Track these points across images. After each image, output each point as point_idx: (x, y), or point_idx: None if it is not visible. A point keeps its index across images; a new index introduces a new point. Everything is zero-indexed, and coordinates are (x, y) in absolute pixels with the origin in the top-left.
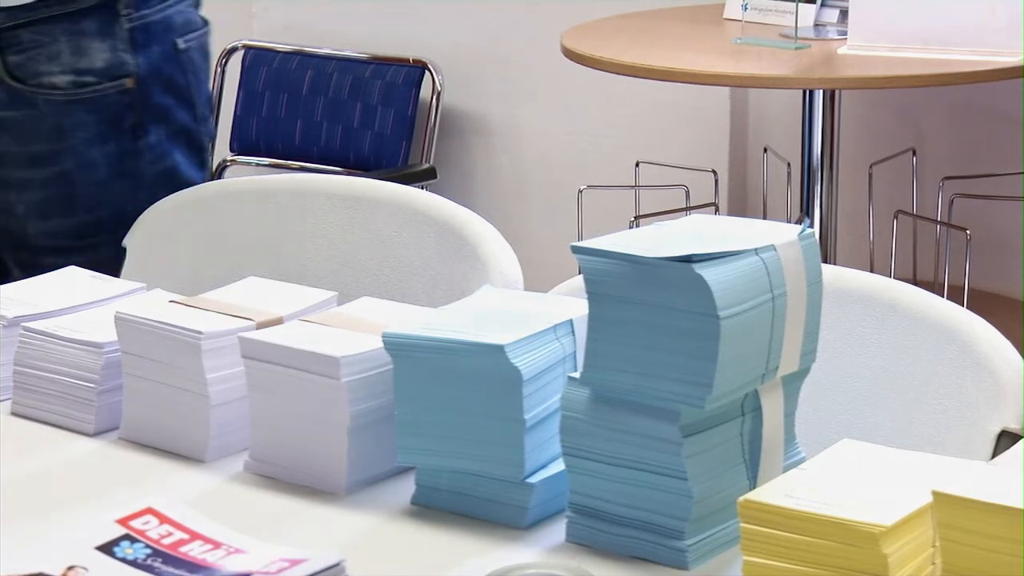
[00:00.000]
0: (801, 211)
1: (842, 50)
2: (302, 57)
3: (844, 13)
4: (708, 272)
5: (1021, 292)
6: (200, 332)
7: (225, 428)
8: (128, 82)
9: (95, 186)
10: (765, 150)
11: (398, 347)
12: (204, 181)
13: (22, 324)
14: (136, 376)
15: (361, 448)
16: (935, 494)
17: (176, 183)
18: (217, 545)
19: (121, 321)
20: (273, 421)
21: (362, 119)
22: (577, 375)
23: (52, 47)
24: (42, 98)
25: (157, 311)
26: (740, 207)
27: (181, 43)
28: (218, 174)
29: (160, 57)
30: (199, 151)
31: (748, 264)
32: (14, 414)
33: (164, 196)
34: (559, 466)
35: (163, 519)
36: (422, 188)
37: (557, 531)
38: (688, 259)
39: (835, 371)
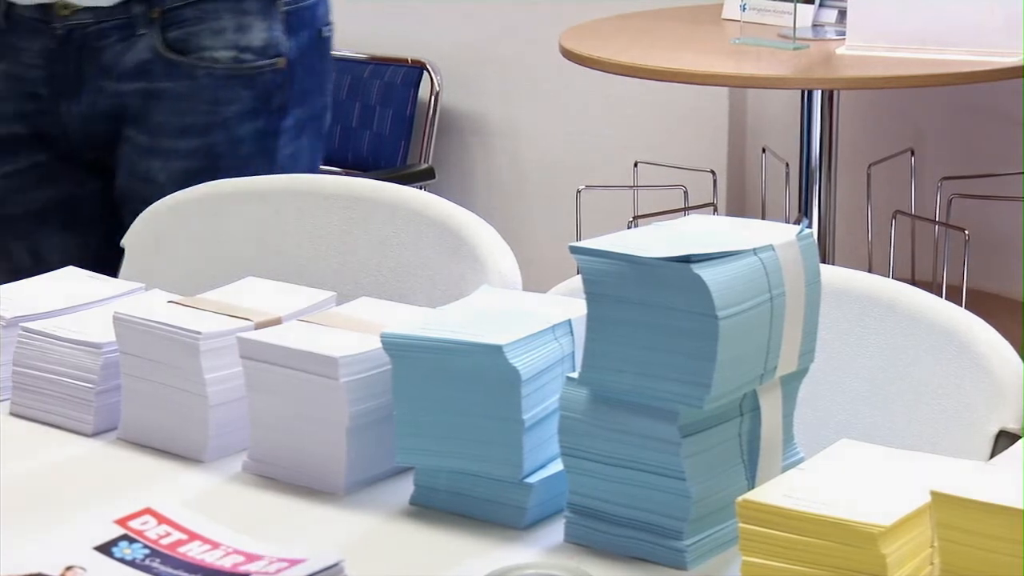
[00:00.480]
0: (799, 211)
1: (840, 50)
2: None
3: (842, 13)
4: (706, 272)
5: (1019, 292)
6: (199, 332)
7: (224, 428)
8: (280, 62)
9: (238, 161)
10: (763, 150)
11: (397, 347)
12: (317, 170)
13: (21, 324)
14: (135, 376)
15: (360, 448)
16: (933, 494)
17: (298, 167)
18: (216, 545)
19: (120, 321)
20: (272, 421)
21: (360, 119)
22: (576, 375)
23: (216, 23)
24: (203, 70)
25: (156, 311)
26: (739, 207)
27: (324, 31)
28: None
29: (307, 43)
30: (320, 139)
31: (746, 264)
32: (13, 414)
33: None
34: (558, 466)
35: (162, 519)
36: (421, 188)
37: (556, 531)
38: (687, 259)
39: (833, 371)
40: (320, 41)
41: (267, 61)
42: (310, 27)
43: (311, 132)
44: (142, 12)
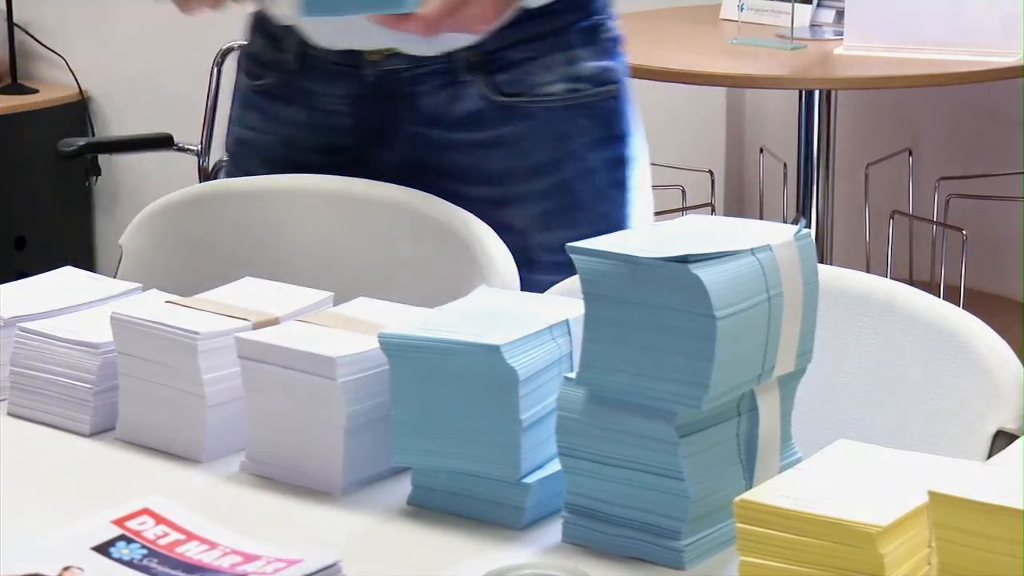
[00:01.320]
0: (797, 211)
1: (838, 50)
2: None
3: (840, 13)
4: (704, 272)
5: (1016, 292)
6: (196, 332)
7: (221, 428)
8: (613, 89)
9: (594, 193)
10: (761, 150)
11: (394, 347)
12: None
13: (18, 324)
14: (132, 376)
15: (357, 448)
16: (931, 494)
17: (641, 200)
18: (213, 546)
19: (117, 322)
20: (269, 421)
21: None
22: (574, 375)
23: (545, 59)
24: (541, 107)
25: (153, 311)
26: (736, 207)
27: (626, 60)
28: (214, 175)
29: (624, 68)
30: (648, 169)
31: (744, 264)
32: (10, 414)
33: (645, 210)
34: (555, 466)
35: (159, 519)
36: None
37: (553, 531)
38: (684, 259)
39: (831, 372)
40: (626, 72)
41: (602, 89)
42: (622, 54)
43: (643, 166)
44: (463, 57)
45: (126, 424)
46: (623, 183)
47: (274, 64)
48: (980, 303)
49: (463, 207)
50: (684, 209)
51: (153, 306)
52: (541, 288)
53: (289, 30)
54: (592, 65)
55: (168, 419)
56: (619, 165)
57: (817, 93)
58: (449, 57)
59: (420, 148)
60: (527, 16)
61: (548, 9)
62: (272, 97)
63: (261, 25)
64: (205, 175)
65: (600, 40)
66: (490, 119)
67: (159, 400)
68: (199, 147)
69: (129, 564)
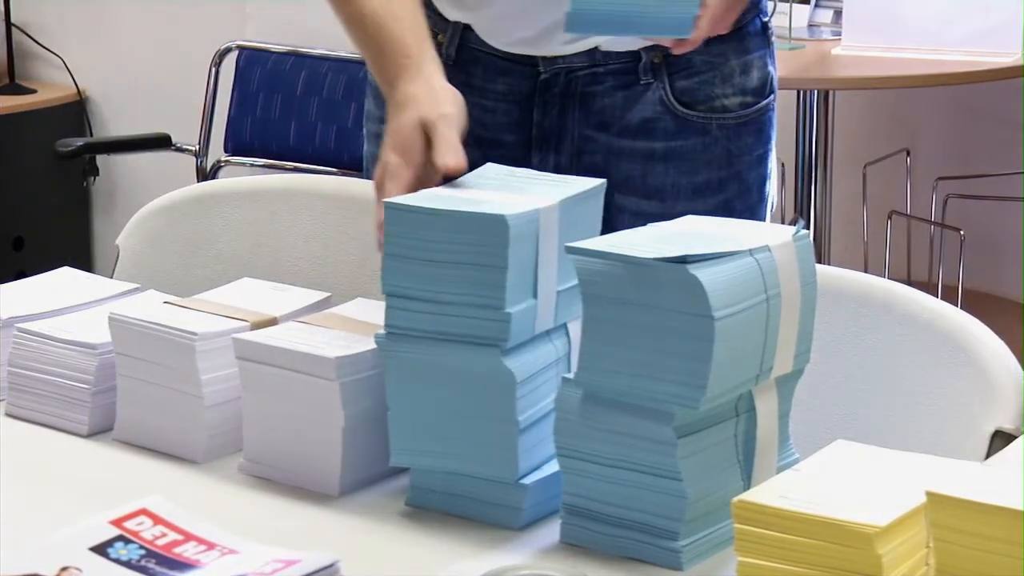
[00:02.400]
0: (795, 211)
1: (836, 50)
2: (296, 58)
3: (838, 14)
4: (702, 273)
5: (1014, 292)
6: (194, 333)
7: (219, 429)
8: (773, 100)
9: (746, 212)
10: None
11: (391, 347)
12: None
13: (16, 325)
14: (130, 377)
15: (355, 449)
16: (929, 494)
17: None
18: (211, 546)
19: (115, 322)
20: (267, 422)
21: (356, 119)
22: (572, 376)
23: (724, 68)
24: (716, 123)
25: (151, 312)
26: None
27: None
28: (212, 175)
29: (775, 76)
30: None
31: (742, 265)
32: (8, 415)
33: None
34: (553, 467)
35: (157, 520)
36: None
37: (551, 532)
38: (682, 260)
39: (829, 372)
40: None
41: (766, 101)
42: (775, 60)
43: (772, 175)
44: (647, 58)
45: (124, 424)
46: (766, 198)
47: None
48: (978, 303)
49: (617, 218)
50: None
51: (151, 307)
52: None
53: (452, 24)
54: (759, 75)
55: (166, 419)
56: (767, 181)
57: (815, 93)
58: (633, 56)
59: (588, 153)
60: None
61: None
62: None
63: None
64: (203, 175)
65: (769, 42)
66: (663, 130)
67: (157, 401)
68: (197, 147)
69: (127, 564)
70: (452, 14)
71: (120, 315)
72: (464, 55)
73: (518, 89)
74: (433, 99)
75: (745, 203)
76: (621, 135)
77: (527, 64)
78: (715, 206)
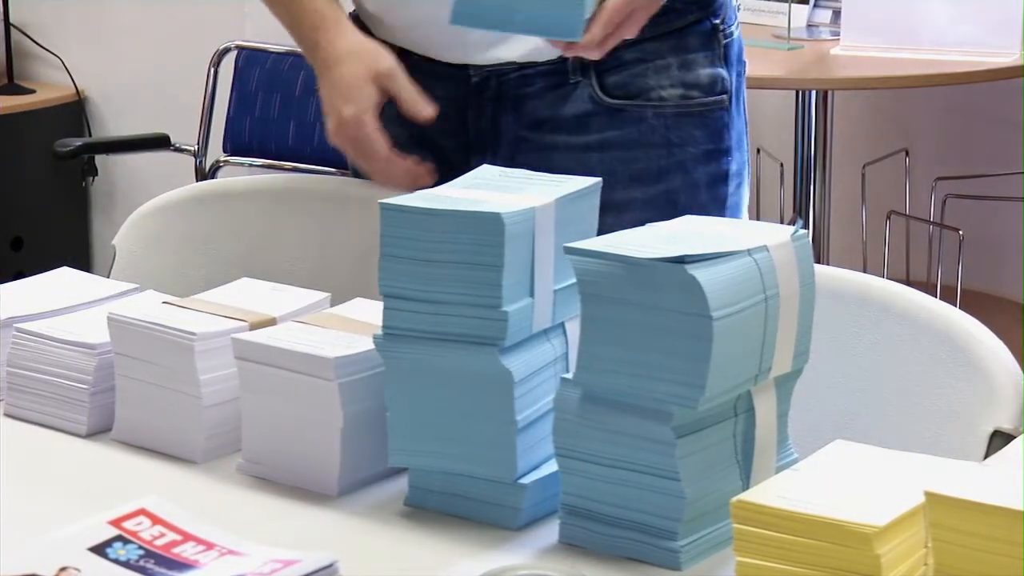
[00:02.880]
0: (794, 211)
1: (835, 51)
2: (295, 58)
3: (837, 14)
4: (701, 273)
5: (1013, 292)
6: (193, 333)
7: (218, 429)
8: (725, 100)
9: (696, 209)
10: (758, 151)
11: (389, 348)
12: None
13: (15, 325)
14: (129, 377)
15: (354, 449)
16: (928, 494)
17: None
18: (210, 546)
19: (114, 322)
20: (266, 422)
21: None
22: (570, 376)
23: (659, 62)
24: (652, 111)
25: (150, 312)
26: None
27: (742, 71)
28: (211, 175)
29: (738, 78)
30: (747, 194)
31: (741, 265)
32: (7, 415)
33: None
34: (552, 467)
35: (156, 520)
36: None
37: (550, 532)
38: (681, 260)
39: (828, 372)
40: (741, 81)
41: (714, 98)
42: (739, 62)
43: (744, 184)
44: (574, 57)
45: (123, 425)
46: (723, 200)
47: None
48: (977, 303)
49: None
50: None
51: (150, 307)
52: None
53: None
54: (709, 72)
55: (165, 420)
56: (722, 181)
57: (814, 93)
58: (560, 58)
59: (523, 152)
60: None
61: (667, 8)
62: None
63: (356, 18)
64: (202, 175)
65: (718, 45)
66: (597, 122)
67: (156, 401)
68: (196, 147)
69: (126, 564)
70: (380, 32)
71: (119, 315)
72: (401, 61)
73: (453, 95)
74: (374, 52)
75: (692, 199)
76: (555, 131)
77: (460, 69)
78: (655, 195)
